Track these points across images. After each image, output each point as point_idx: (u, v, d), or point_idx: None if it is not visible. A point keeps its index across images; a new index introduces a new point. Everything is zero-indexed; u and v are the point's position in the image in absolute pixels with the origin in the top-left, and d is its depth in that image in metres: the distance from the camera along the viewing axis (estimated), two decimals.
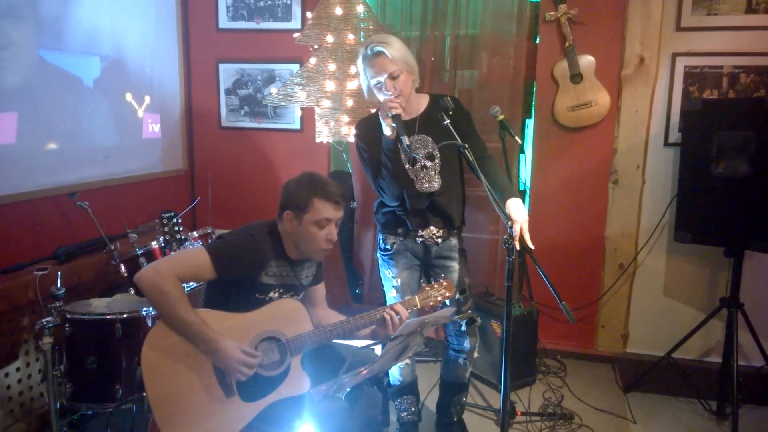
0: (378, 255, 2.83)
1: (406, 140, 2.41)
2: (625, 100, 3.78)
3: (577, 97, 3.78)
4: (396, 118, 2.45)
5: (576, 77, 3.76)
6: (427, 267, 2.80)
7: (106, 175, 3.68)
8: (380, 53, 2.49)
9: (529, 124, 4.23)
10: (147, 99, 4.04)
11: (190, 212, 4.43)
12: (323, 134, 3.77)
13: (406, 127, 2.54)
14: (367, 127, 2.68)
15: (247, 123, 4.40)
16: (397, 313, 2.27)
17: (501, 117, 2.66)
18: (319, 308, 2.44)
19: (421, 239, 2.71)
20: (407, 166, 2.61)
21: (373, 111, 3.63)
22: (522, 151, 3.56)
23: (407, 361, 2.83)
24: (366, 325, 2.27)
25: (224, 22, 4.33)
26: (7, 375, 2.85)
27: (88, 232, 3.26)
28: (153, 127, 4.14)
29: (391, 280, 2.77)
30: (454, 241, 2.77)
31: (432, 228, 2.69)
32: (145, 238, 3.31)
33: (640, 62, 3.72)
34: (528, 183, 4.02)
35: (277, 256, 2.22)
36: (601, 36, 3.76)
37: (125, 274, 2.94)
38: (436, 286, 2.41)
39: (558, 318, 3.94)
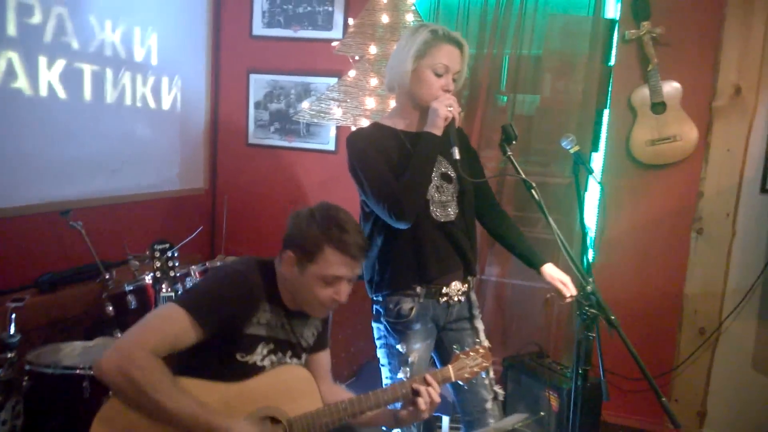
0: (381, 324, 2.16)
1: (456, 152, 1.97)
2: (716, 135, 3.21)
3: (658, 130, 3.23)
4: (452, 123, 2.02)
5: (658, 106, 3.21)
6: (442, 330, 2.20)
7: (113, 191, 3.26)
8: (460, 46, 2.06)
9: (595, 157, 3.69)
10: (167, 108, 3.64)
11: (207, 239, 3.99)
12: None
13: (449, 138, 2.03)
14: (380, 135, 2.10)
15: (277, 141, 3.96)
16: (429, 385, 1.76)
17: (576, 148, 2.15)
18: (321, 383, 1.86)
19: (445, 299, 2.11)
20: None
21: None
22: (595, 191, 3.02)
23: None
24: (389, 402, 1.76)
25: (258, 28, 3.92)
26: None
27: (83, 257, 2.83)
28: (172, 139, 3.73)
29: (400, 357, 2.12)
30: (473, 296, 2.22)
31: (456, 283, 2.12)
32: (149, 266, 2.86)
33: (735, 93, 3.16)
34: (595, 226, 3.46)
35: (270, 299, 1.71)
36: (689, 60, 3.22)
37: (111, 314, 2.48)
38: (471, 353, 1.89)
39: (621, 386, 3.34)
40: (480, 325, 2.21)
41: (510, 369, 3.15)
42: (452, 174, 2.12)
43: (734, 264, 3.26)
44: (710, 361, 3.33)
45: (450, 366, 1.86)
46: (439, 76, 2.03)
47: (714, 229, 3.27)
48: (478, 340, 2.15)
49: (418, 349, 2.11)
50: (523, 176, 1.93)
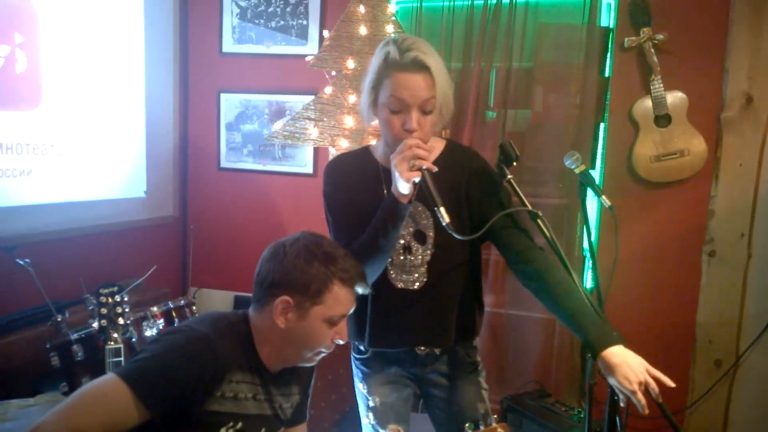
0: (351, 358, 1.93)
1: (444, 216, 1.49)
2: (727, 149, 2.95)
3: (663, 145, 2.96)
4: (426, 174, 1.51)
5: (662, 119, 2.95)
6: (422, 383, 1.89)
7: (68, 223, 2.96)
8: (422, 68, 1.54)
9: (593, 175, 3.42)
10: (131, 130, 3.35)
11: (178, 272, 3.69)
12: None
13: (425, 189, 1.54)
14: (360, 166, 1.76)
15: (251, 164, 3.67)
16: None
17: (582, 168, 1.88)
18: None
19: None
20: None
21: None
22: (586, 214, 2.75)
23: None
24: None
25: (228, 45, 3.65)
26: None
27: (34, 298, 2.53)
28: (136, 164, 3.44)
29: (365, 399, 1.87)
30: (461, 352, 1.83)
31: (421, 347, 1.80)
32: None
33: (746, 102, 2.90)
34: (595, 251, 3.18)
35: (243, 366, 1.41)
36: (695, 68, 2.97)
37: (57, 365, 2.17)
38: None
39: (630, 424, 3.04)
40: (465, 384, 1.83)
41: (510, 411, 2.85)
42: (430, 233, 1.71)
43: (751, 288, 2.97)
44: (728, 397, 3.04)
45: None
46: (395, 113, 1.58)
47: (727, 251, 2.99)
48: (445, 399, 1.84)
49: (382, 394, 1.84)
50: (529, 207, 1.65)
